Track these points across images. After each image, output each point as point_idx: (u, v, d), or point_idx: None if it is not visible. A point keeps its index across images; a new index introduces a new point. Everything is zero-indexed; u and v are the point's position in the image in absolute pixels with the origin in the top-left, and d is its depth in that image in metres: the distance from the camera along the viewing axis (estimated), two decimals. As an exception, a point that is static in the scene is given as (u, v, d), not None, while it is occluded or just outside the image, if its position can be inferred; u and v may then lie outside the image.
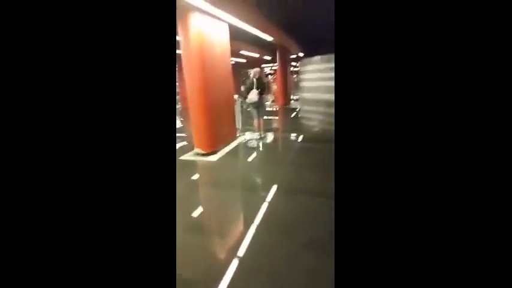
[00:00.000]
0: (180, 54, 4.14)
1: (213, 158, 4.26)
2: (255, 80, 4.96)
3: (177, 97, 13.89)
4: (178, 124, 9.25)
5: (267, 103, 7.11)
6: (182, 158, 4.37)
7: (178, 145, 5.47)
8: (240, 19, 4.72)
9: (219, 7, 3.84)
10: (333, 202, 0.80)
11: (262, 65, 13.31)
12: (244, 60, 14.10)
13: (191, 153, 4.51)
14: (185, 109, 11.58)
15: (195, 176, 3.71)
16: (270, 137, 5.62)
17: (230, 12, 4.24)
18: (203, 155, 4.34)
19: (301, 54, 12.69)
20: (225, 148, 4.71)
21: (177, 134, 7.47)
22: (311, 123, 6.97)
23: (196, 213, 2.56)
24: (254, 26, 5.70)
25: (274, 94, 12.07)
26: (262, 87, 5.02)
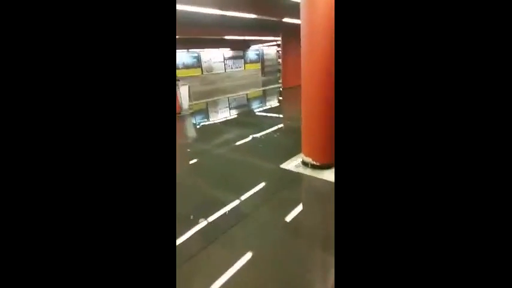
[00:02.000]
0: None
1: (329, 175, 2.87)
2: None
3: (279, 75, 12.96)
4: (276, 103, 8.35)
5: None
6: (284, 166, 3.19)
7: (273, 128, 4.40)
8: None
9: None
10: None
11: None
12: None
13: (296, 161, 3.27)
14: (285, 89, 10.46)
15: (296, 212, 2.46)
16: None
17: None
18: (313, 166, 3.02)
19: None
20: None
21: (272, 114, 6.65)
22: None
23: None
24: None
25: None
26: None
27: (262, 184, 2.83)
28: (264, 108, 7.54)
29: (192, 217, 2.27)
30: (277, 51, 18.22)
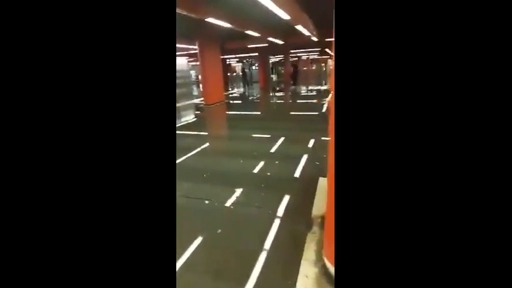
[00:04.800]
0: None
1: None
2: None
3: (193, 88, 11.22)
4: (192, 119, 7.10)
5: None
6: None
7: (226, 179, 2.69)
8: None
9: None
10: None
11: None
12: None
13: (315, 271, 1.69)
14: (207, 105, 8.81)
15: None
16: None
17: None
18: None
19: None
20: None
21: (191, 132, 5.22)
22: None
23: None
24: None
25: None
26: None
27: None
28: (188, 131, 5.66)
29: None
30: (188, 61, 16.36)
